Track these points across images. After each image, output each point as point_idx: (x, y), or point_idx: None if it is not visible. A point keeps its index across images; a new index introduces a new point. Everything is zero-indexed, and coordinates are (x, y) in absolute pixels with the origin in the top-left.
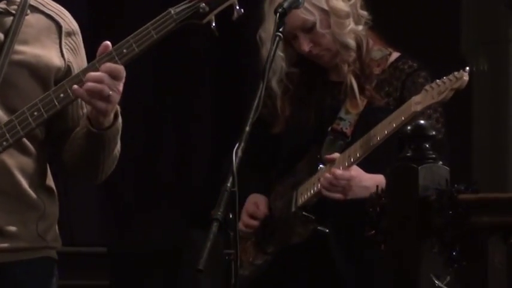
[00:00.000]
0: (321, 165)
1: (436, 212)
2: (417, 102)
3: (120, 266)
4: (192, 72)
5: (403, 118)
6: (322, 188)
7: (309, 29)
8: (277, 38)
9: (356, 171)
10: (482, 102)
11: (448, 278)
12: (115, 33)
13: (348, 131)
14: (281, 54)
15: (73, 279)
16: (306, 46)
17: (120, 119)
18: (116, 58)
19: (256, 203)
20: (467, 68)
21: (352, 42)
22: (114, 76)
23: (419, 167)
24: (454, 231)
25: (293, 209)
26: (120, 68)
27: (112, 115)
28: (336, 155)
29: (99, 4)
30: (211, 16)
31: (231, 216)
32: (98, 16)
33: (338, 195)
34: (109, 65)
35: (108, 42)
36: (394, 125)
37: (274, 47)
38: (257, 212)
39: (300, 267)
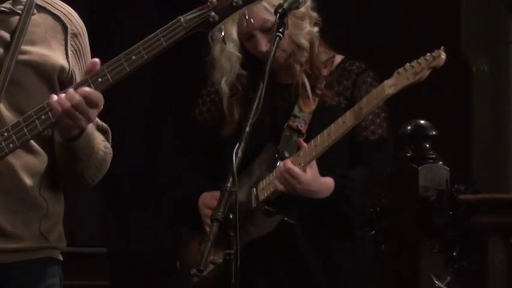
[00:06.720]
0: (279, 162)
1: (436, 212)
2: (391, 85)
3: (120, 266)
4: (192, 72)
5: (375, 102)
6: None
7: (268, 29)
8: (277, 39)
9: (310, 174)
10: (483, 103)
11: (448, 278)
12: (113, 43)
13: (303, 129)
14: (238, 54)
15: (73, 280)
16: (263, 46)
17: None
18: (125, 64)
19: (214, 196)
20: (443, 47)
21: (306, 43)
22: (88, 103)
23: (419, 167)
24: (454, 232)
25: (254, 205)
26: (97, 96)
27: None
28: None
29: (98, 12)
30: (220, 25)
31: (231, 216)
32: (97, 24)
33: (281, 187)
34: (86, 90)
35: (97, 60)
36: (365, 111)
37: (274, 48)
38: None
39: (268, 261)
